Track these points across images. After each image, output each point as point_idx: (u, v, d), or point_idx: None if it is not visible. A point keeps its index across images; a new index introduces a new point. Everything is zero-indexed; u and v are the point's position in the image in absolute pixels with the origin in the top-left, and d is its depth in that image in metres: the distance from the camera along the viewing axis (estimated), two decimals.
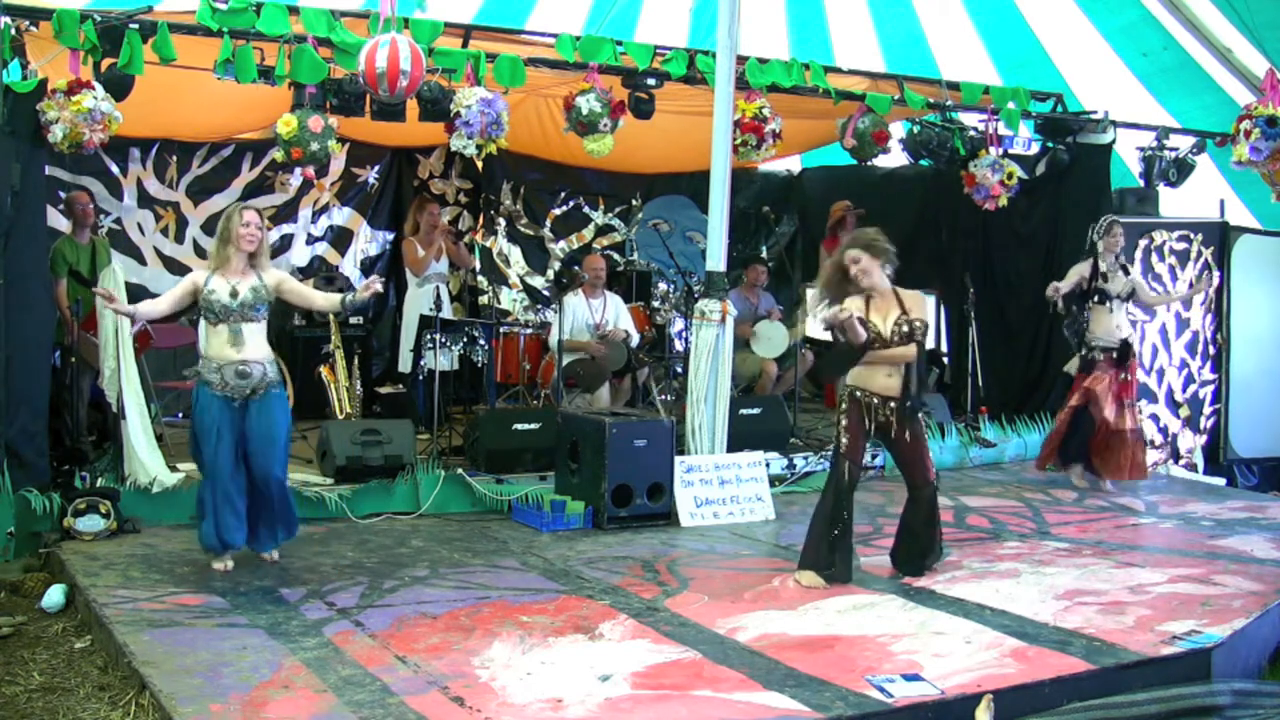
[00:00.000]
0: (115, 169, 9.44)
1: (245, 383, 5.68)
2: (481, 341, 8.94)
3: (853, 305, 5.60)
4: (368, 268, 10.59)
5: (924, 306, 5.78)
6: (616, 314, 9.24)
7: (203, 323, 5.80)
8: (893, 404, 5.68)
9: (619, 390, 9.13)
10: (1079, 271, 8.19)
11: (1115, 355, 8.11)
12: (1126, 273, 8.29)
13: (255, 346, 5.74)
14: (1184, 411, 9.93)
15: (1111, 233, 8.16)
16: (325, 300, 6.21)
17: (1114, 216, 8.45)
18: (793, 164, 12.65)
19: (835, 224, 10.54)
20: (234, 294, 5.68)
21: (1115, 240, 8.17)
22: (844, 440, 5.67)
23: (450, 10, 8.20)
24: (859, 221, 10.60)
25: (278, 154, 7.45)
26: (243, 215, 5.70)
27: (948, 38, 10.50)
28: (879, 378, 5.68)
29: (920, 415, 5.76)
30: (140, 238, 9.61)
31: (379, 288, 5.95)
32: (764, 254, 11.46)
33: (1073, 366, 8.37)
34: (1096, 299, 8.12)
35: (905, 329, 5.62)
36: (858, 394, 5.69)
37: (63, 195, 8.35)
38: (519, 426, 7.80)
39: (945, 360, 11.16)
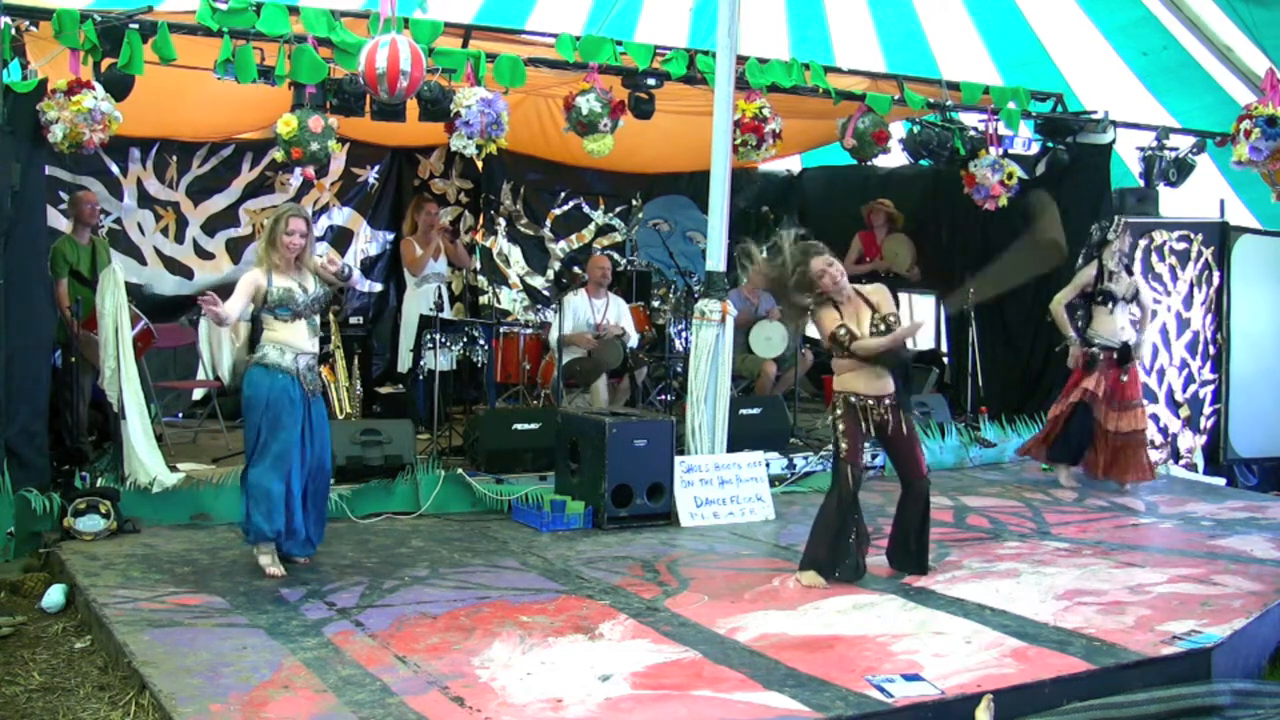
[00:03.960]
0: (115, 169, 9.44)
1: (312, 374, 5.78)
2: (481, 341, 8.94)
3: (828, 316, 5.65)
4: (368, 268, 10.59)
5: (889, 298, 5.77)
6: (618, 315, 9.24)
7: (264, 316, 5.74)
8: (887, 401, 5.69)
9: (618, 390, 9.13)
10: (1085, 276, 8.18)
11: (1116, 355, 8.12)
12: (1129, 273, 8.28)
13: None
14: (1184, 411, 9.92)
15: (1122, 233, 8.16)
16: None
17: (1121, 217, 8.44)
18: (793, 164, 12.65)
19: (869, 216, 10.61)
20: (304, 289, 5.75)
21: (1126, 240, 8.20)
22: (843, 445, 5.67)
23: (450, 10, 8.20)
24: (888, 221, 10.65)
25: (278, 154, 7.46)
26: (289, 222, 5.69)
27: (948, 37, 10.50)
28: (869, 379, 5.68)
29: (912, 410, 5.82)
30: (140, 238, 9.61)
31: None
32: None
33: (1073, 360, 8.28)
34: (1100, 300, 8.11)
35: (882, 327, 5.64)
36: (851, 399, 5.69)
37: (63, 195, 8.36)
38: (519, 426, 7.80)
39: (945, 360, 11.16)
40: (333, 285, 5.97)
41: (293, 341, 5.73)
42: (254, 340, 5.93)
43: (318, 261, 5.89)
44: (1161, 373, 9.78)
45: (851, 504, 5.68)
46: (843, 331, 5.60)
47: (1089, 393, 8.13)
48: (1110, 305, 8.10)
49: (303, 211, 5.89)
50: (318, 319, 5.87)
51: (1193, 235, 9.91)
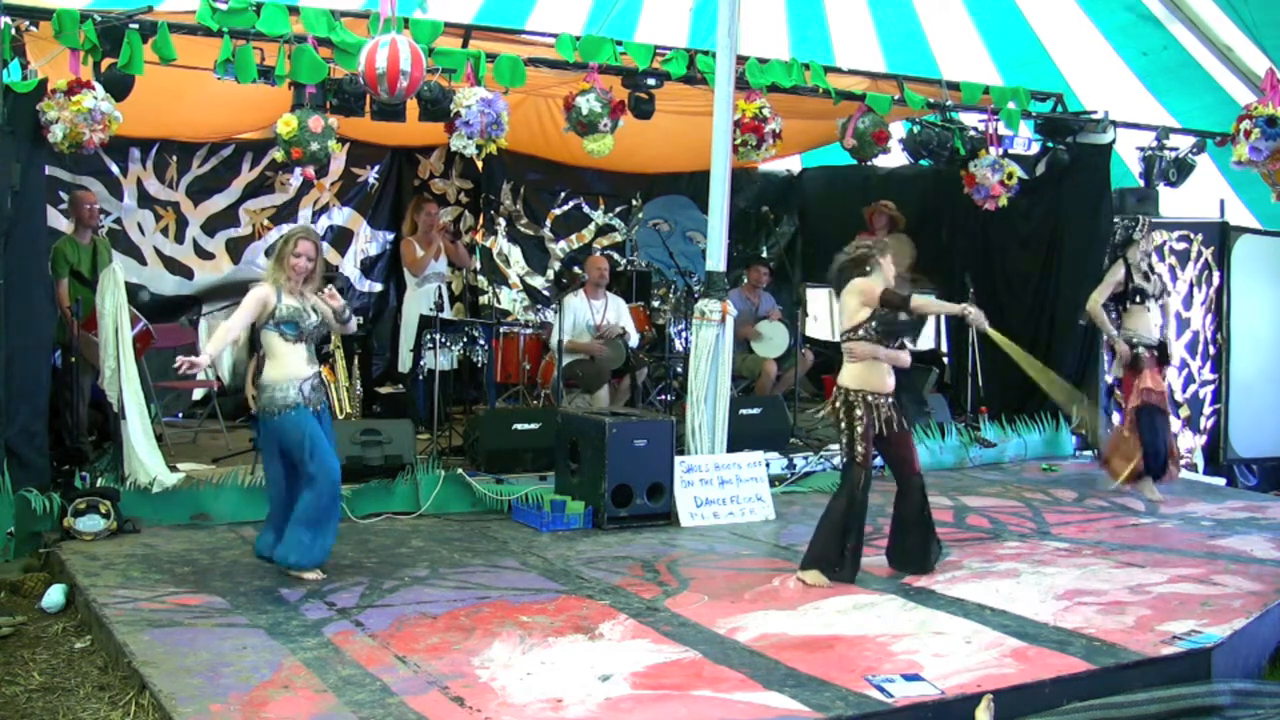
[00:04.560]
0: (115, 169, 9.44)
1: (319, 395, 5.75)
2: (481, 341, 8.94)
3: (875, 283, 5.73)
4: (368, 268, 10.60)
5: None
6: (618, 315, 9.24)
7: (267, 334, 5.70)
8: (892, 401, 5.70)
9: (619, 390, 9.13)
10: (1115, 275, 8.02)
11: (1157, 353, 7.98)
12: (1154, 271, 8.23)
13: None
14: (1184, 411, 9.93)
15: (1147, 231, 8.06)
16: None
17: (1145, 216, 8.38)
18: (793, 164, 12.65)
19: (871, 218, 10.64)
20: (310, 313, 5.73)
21: (1150, 238, 8.11)
22: (859, 449, 5.65)
23: (450, 10, 8.20)
24: (891, 223, 10.66)
25: (278, 154, 7.46)
26: (296, 245, 5.69)
27: (948, 37, 10.50)
28: (885, 378, 5.70)
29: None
30: (140, 238, 9.61)
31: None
32: (764, 254, 11.47)
33: (1123, 357, 8.04)
34: (1137, 299, 7.96)
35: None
36: (869, 398, 5.67)
37: (63, 195, 8.36)
38: (519, 426, 7.80)
39: (945, 360, 11.16)
40: (328, 319, 5.91)
41: (292, 372, 5.65)
42: (253, 344, 5.93)
43: (324, 295, 5.89)
44: None
45: (861, 507, 5.69)
46: (892, 294, 5.60)
47: (1150, 391, 7.90)
48: (1145, 303, 8.01)
49: (312, 234, 5.89)
50: (313, 346, 5.82)
51: (1193, 235, 9.92)
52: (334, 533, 5.77)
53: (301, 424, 5.62)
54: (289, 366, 5.65)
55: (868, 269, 5.74)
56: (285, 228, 10.11)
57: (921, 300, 5.67)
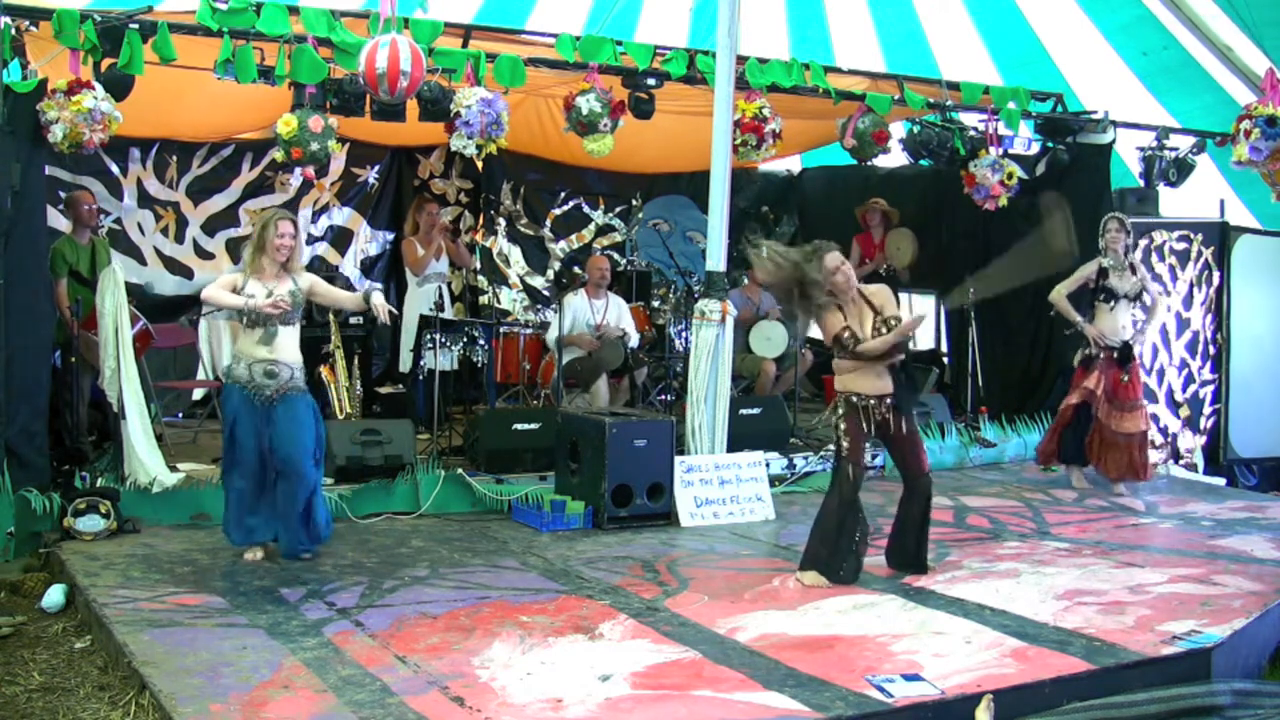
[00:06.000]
0: (115, 169, 9.44)
1: (273, 382, 5.82)
2: (481, 341, 8.94)
3: (832, 318, 5.68)
4: (368, 268, 10.60)
5: (891, 300, 5.77)
6: (618, 315, 9.24)
7: (229, 323, 5.91)
8: (888, 401, 5.70)
9: (618, 390, 9.13)
10: (1085, 270, 8.11)
11: (1116, 355, 8.06)
12: (1134, 271, 8.21)
13: (286, 349, 5.88)
14: (1184, 411, 9.92)
15: (1106, 229, 8.09)
16: (352, 301, 6.49)
17: (1112, 213, 8.39)
18: (793, 164, 12.66)
19: (864, 218, 10.64)
20: (270, 298, 5.80)
21: (1114, 237, 8.05)
22: (845, 444, 5.69)
23: (450, 10, 8.20)
24: (885, 219, 10.66)
25: (278, 154, 7.46)
26: (278, 226, 5.82)
27: (948, 37, 10.50)
28: (870, 380, 5.70)
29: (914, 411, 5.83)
30: (140, 238, 9.61)
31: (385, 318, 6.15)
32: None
33: (1092, 340, 8.10)
34: (1102, 297, 8.05)
35: (884, 330, 5.64)
36: (853, 399, 5.71)
37: (63, 195, 8.36)
38: (519, 426, 7.80)
39: (945, 360, 11.16)
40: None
41: (249, 351, 5.86)
42: None
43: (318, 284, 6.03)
44: (1161, 373, 9.78)
45: (852, 503, 5.69)
46: (847, 334, 5.64)
47: (1089, 392, 8.10)
48: (1111, 303, 8.04)
49: (289, 214, 6.03)
50: (284, 328, 5.85)
51: (1193, 235, 9.91)
52: (229, 513, 5.98)
53: (233, 400, 5.87)
54: (243, 346, 5.89)
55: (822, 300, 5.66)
56: None
57: (866, 346, 5.60)
